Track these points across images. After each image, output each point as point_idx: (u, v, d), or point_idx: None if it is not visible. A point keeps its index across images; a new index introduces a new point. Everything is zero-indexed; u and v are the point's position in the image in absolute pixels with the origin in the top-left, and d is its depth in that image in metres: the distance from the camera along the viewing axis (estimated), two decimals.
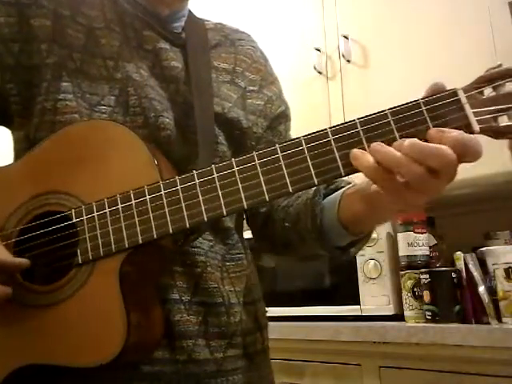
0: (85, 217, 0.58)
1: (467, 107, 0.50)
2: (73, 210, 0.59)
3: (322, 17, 1.87)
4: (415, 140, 0.50)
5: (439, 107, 0.51)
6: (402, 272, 1.47)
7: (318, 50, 1.84)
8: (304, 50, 1.87)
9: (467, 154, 0.49)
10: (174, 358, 0.64)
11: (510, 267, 1.26)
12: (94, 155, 0.60)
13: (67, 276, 0.58)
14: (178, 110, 0.69)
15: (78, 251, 0.58)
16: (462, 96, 0.51)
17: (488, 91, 0.52)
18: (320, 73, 1.83)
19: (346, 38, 1.77)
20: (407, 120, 0.51)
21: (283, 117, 0.84)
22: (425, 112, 0.51)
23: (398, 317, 1.46)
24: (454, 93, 0.51)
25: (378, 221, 0.68)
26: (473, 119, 0.50)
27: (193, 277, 0.66)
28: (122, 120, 0.66)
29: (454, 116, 0.50)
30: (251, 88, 0.79)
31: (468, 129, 0.50)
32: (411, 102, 0.52)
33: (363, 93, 1.71)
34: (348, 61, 1.77)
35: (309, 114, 1.71)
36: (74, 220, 0.59)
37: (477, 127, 0.50)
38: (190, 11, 0.80)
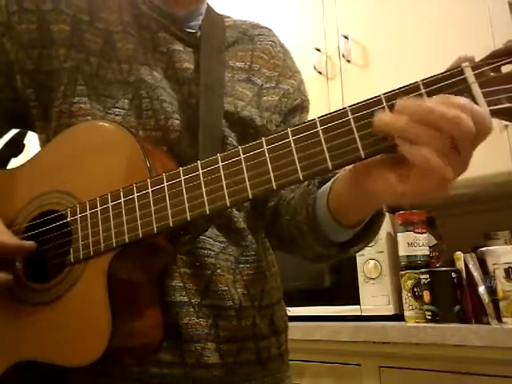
0: (78, 215, 0.59)
1: (475, 87, 0.45)
2: (68, 209, 0.60)
3: (322, 17, 1.88)
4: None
5: (441, 89, 0.45)
6: (402, 272, 1.46)
7: (318, 50, 1.84)
8: (304, 50, 1.87)
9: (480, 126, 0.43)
10: (182, 361, 0.62)
11: (510, 267, 1.26)
12: (91, 155, 0.61)
13: (61, 275, 0.59)
14: (190, 111, 0.69)
15: (71, 250, 0.59)
16: (470, 74, 0.45)
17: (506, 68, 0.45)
18: (320, 73, 1.83)
19: (346, 38, 1.77)
20: None
21: (298, 109, 0.81)
22: (424, 95, 0.46)
23: (398, 317, 1.46)
24: (460, 71, 0.45)
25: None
26: (481, 101, 0.44)
27: (202, 279, 0.65)
28: (135, 122, 0.66)
29: None
30: (268, 85, 0.77)
31: None
32: (410, 85, 0.47)
33: (363, 93, 1.69)
34: (348, 61, 1.77)
35: (308, 113, 1.71)
36: (69, 219, 0.60)
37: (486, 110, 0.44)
38: (209, 8, 0.79)
